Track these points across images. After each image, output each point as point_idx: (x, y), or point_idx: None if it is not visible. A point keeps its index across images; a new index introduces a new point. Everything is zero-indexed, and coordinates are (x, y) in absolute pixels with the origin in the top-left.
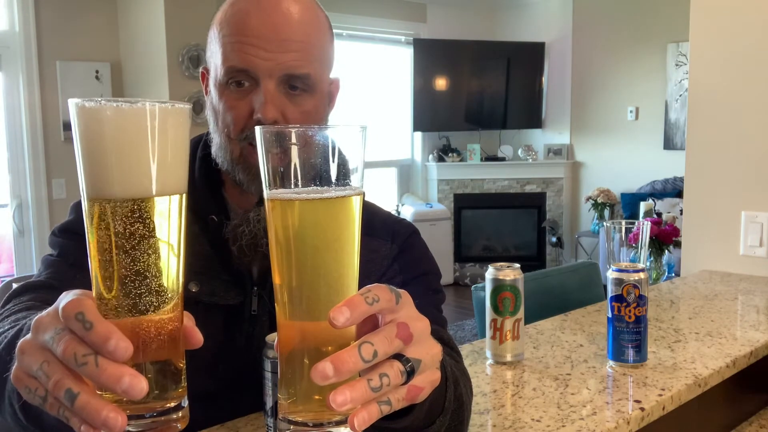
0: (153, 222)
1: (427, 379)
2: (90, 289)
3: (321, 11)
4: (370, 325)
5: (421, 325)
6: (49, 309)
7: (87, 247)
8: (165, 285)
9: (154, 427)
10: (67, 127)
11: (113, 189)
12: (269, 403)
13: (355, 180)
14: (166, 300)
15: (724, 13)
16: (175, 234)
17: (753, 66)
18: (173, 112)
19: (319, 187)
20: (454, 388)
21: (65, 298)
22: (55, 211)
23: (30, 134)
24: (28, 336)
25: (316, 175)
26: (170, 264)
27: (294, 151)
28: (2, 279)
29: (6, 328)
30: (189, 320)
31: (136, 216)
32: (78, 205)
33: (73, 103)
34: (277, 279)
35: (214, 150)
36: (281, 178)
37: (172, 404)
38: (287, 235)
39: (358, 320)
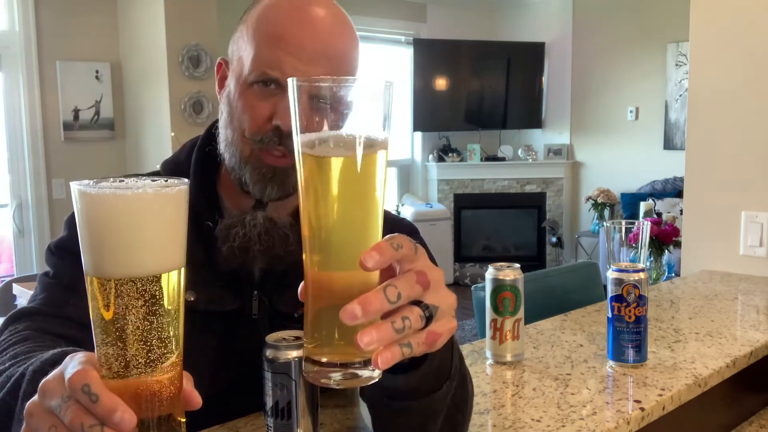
0: (153, 297)
1: (445, 326)
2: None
3: (352, 26)
4: (389, 275)
5: (437, 274)
6: (55, 372)
7: (90, 317)
8: (165, 351)
9: None
10: (67, 127)
11: (113, 269)
12: (269, 403)
13: (382, 133)
14: (167, 364)
15: (724, 13)
16: (174, 304)
17: (753, 66)
18: (172, 195)
19: (347, 140)
20: (459, 360)
21: (70, 367)
22: (55, 211)
23: (30, 134)
24: (36, 399)
25: (346, 124)
26: (170, 333)
27: (325, 100)
28: (2, 279)
29: (6, 365)
30: (188, 383)
31: (136, 292)
32: (72, 220)
33: (75, 188)
34: (306, 230)
35: (222, 146)
36: (312, 125)
37: None
38: (316, 189)
39: (386, 264)
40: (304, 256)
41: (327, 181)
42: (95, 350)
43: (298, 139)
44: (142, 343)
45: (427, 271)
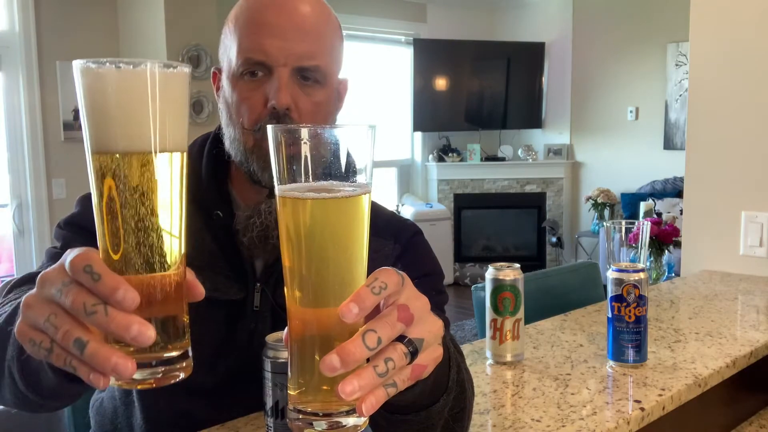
0: (155, 177)
1: (430, 357)
2: None
3: (332, 12)
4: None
5: (420, 304)
6: (55, 265)
7: (93, 207)
8: (168, 240)
9: (159, 373)
10: (67, 127)
11: (117, 144)
12: (269, 403)
13: (364, 178)
14: (170, 255)
15: (724, 13)
16: (177, 190)
17: (753, 66)
18: (174, 74)
19: (329, 184)
20: (456, 370)
21: (72, 253)
22: (55, 211)
23: (30, 134)
24: (33, 291)
25: (327, 173)
26: (173, 219)
27: (305, 150)
28: (2, 279)
29: (7, 310)
30: (190, 274)
31: (139, 170)
32: (84, 199)
33: (77, 65)
34: (287, 274)
35: (227, 144)
36: (292, 176)
37: (176, 354)
38: (298, 232)
39: (368, 312)
40: (286, 298)
41: (309, 224)
42: (98, 243)
43: (277, 180)
44: (145, 230)
45: (409, 304)
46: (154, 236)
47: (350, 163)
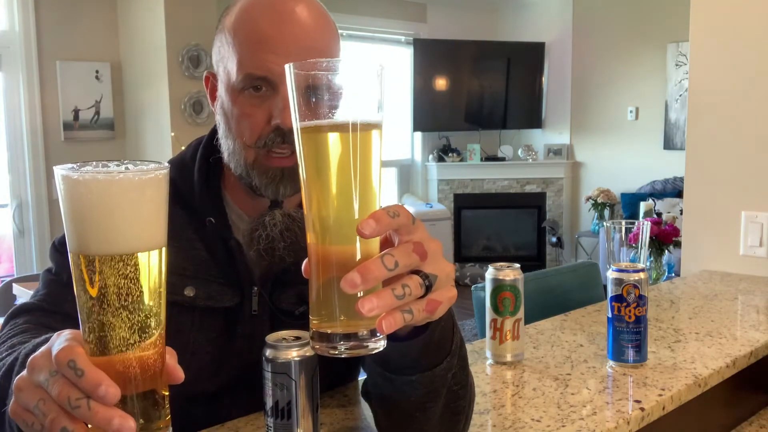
0: (135, 275)
1: (445, 295)
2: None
3: (330, 17)
4: (388, 248)
5: (434, 245)
6: (43, 349)
7: (75, 294)
8: (147, 328)
9: None
10: (67, 127)
11: (97, 247)
12: (269, 403)
13: (376, 114)
14: (149, 341)
15: (724, 13)
16: (155, 282)
17: (753, 66)
18: (150, 179)
19: (345, 117)
20: (460, 339)
21: (57, 344)
22: (55, 211)
23: (30, 134)
24: (24, 374)
25: (343, 108)
26: (152, 310)
27: (322, 86)
28: (2, 279)
29: (3, 354)
30: (171, 358)
31: (119, 269)
32: None
33: (58, 172)
34: (307, 207)
35: (225, 156)
36: (311, 111)
37: None
38: (318, 167)
39: (383, 232)
40: (307, 233)
41: (326, 157)
42: (80, 327)
43: (296, 117)
44: (124, 319)
45: (424, 242)
46: (134, 327)
47: (364, 99)
